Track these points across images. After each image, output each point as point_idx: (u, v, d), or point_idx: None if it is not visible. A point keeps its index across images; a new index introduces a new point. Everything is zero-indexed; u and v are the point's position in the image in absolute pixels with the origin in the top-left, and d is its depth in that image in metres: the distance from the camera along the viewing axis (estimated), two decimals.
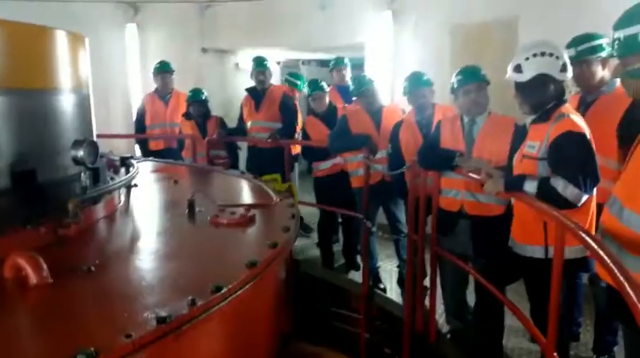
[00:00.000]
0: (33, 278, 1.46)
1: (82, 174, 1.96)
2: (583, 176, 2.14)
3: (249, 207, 2.32)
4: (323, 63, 7.60)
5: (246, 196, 2.81)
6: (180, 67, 5.61)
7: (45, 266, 1.47)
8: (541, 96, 2.34)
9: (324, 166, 4.48)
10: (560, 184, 2.14)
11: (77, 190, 1.98)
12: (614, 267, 1.31)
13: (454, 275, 3.15)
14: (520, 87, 2.40)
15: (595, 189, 2.23)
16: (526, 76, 2.34)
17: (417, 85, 3.53)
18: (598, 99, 2.84)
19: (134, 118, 5.73)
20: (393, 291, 4.14)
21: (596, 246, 1.51)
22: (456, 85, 2.97)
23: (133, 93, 6.43)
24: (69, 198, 1.83)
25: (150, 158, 4.28)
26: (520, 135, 2.81)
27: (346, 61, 5.08)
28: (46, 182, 1.85)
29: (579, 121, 2.24)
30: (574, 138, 2.19)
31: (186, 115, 5.16)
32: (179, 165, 3.98)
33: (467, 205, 2.92)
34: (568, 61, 2.34)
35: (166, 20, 6.37)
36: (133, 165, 2.62)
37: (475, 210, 2.90)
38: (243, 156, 5.41)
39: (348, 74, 5.10)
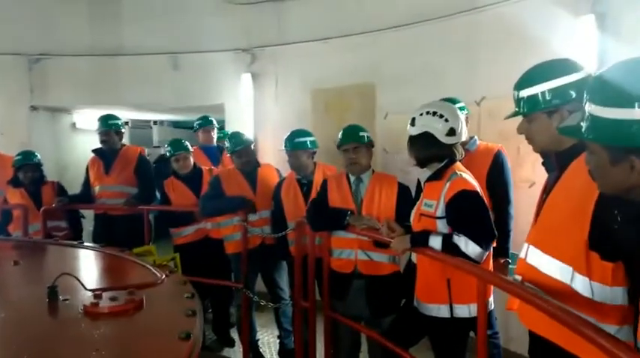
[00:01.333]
0: None
1: None
2: (482, 234, 2.19)
3: (133, 288, 1.89)
4: (176, 124, 7.21)
5: (122, 275, 2.31)
6: (4, 127, 4.78)
7: None
8: (424, 153, 2.39)
9: (186, 232, 4.07)
10: (462, 242, 2.15)
11: None
12: (584, 328, 1.26)
13: (349, 339, 3.01)
14: (410, 140, 2.44)
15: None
16: (415, 130, 2.39)
17: (298, 145, 3.44)
18: (463, 158, 3.05)
19: None
20: None
21: (539, 300, 1.50)
22: (337, 144, 2.96)
23: None
24: None
25: None
26: (403, 192, 2.88)
27: (214, 120, 4.85)
28: None
29: (470, 179, 2.32)
30: (469, 197, 2.25)
31: (14, 182, 4.33)
32: (10, 242, 3.22)
33: (361, 265, 2.84)
34: (461, 127, 2.40)
35: None
36: None
37: (369, 269, 2.83)
38: (88, 225, 4.68)
39: (215, 135, 4.86)
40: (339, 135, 2.98)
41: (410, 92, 4.17)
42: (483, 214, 2.26)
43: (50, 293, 1.84)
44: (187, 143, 4.17)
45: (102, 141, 4.37)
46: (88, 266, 2.54)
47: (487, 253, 2.22)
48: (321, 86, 4.92)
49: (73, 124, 6.38)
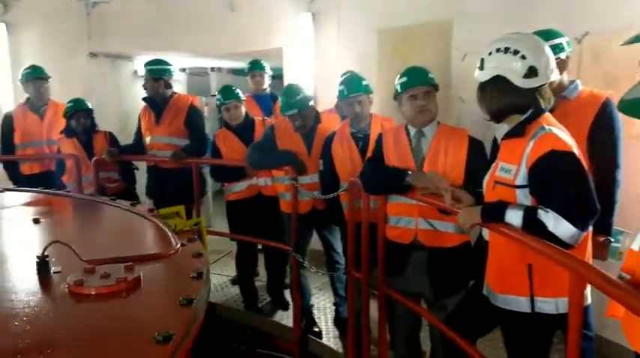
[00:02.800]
0: None
1: None
2: (578, 209, 1.63)
3: (134, 261, 1.58)
4: (236, 72, 6.90)
5: (134, 242, 2.03)
6: (63, 75, 4.67)
7: None
8: (497, 103, 1.84)
9: (238, 188, 3.77)
10: (550, 219, 1.61)
11: None
12: None
13: (407, 318, 2.60)
14: (479, 87, 1.91)
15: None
16: (485, 74, 1.85)
17: (355, 89, 2.96)
18: (557, 107, 2.41)
19: None
20: (330, 334, 3.51)
21: None
22: (399, 89, 2.44)
23: (3, 105, 5.31)
24: None
25: (13, 187, 3.32)
26: (476, 150, 2.35)
27: (265, 64, 4.44)
28: None
29: (564, 136, 1.73)
30: (561, 160, 1.68)
31: (67, 131, 4.22)
32: (51, 196, 3.07)
33: (422, 235, 2.38)
34: (548, 64, 1.80)
35: (43, 18, 5.33)
36: None
37: (432, 240, 2.37)
38: (142, 177, 4.54)
39: (266, 81, 4.45)
40: (401, 79, 2.46)
41: (495, 28, 3.42)
42: (581, 182, 1.68)
43: (40, 265, 1.58)
44: (239, 91, 3.81)
45: (144, 89, 4.12)
46: (105, 226, 2.29)
47: (584, 235, 1.67)
48: (389, 25, 4.30)
49: (135, 72, 6.25)
